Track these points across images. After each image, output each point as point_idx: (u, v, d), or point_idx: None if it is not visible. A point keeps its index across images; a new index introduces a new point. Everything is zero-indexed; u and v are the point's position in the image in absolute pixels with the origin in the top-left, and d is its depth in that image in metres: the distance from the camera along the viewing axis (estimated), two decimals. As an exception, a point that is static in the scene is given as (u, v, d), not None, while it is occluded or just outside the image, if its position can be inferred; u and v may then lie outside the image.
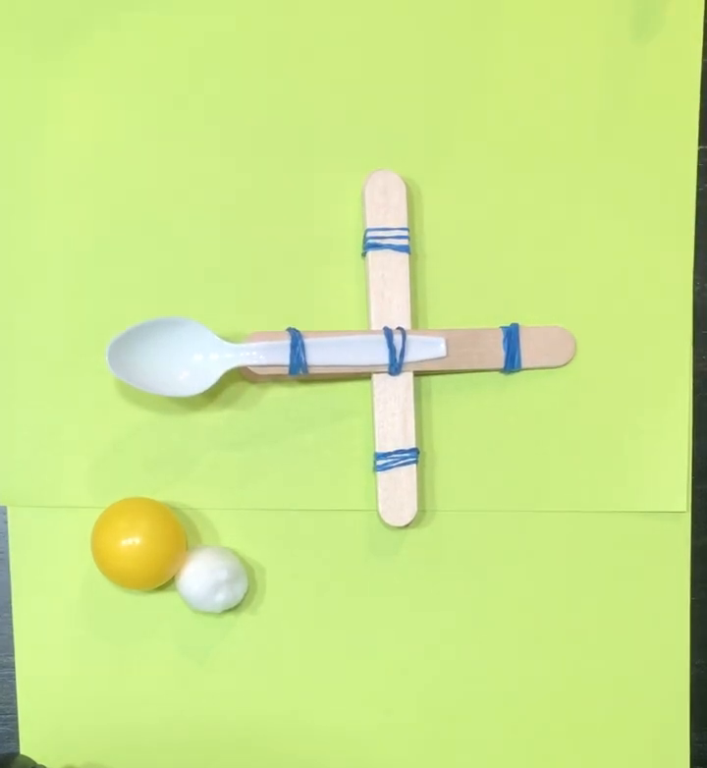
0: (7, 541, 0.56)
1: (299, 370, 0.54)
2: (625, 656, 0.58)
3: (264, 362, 0.54)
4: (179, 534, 0.55)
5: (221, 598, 0.54)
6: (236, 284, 0.57)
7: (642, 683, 0.58)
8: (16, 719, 0.56)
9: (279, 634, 0.57)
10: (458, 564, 0.58)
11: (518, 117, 0.58)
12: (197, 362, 0.54)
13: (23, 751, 0.56)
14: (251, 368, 0.54)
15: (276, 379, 0.56)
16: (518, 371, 0.58)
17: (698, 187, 0.59)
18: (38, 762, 0.55)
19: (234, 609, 0.56)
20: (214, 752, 0.57)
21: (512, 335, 0.57)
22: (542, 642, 0.58)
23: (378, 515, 0.56)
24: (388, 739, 0.58)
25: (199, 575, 0.54)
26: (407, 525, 0.56)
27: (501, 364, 0.57)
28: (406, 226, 0.56)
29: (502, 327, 0.57)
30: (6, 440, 0.56)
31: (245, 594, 0.56)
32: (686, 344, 0.59)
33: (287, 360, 0.54)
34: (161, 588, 0.56)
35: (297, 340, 0.54)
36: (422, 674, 0.58)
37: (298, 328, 0.55)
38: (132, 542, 0.53)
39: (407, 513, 0.56)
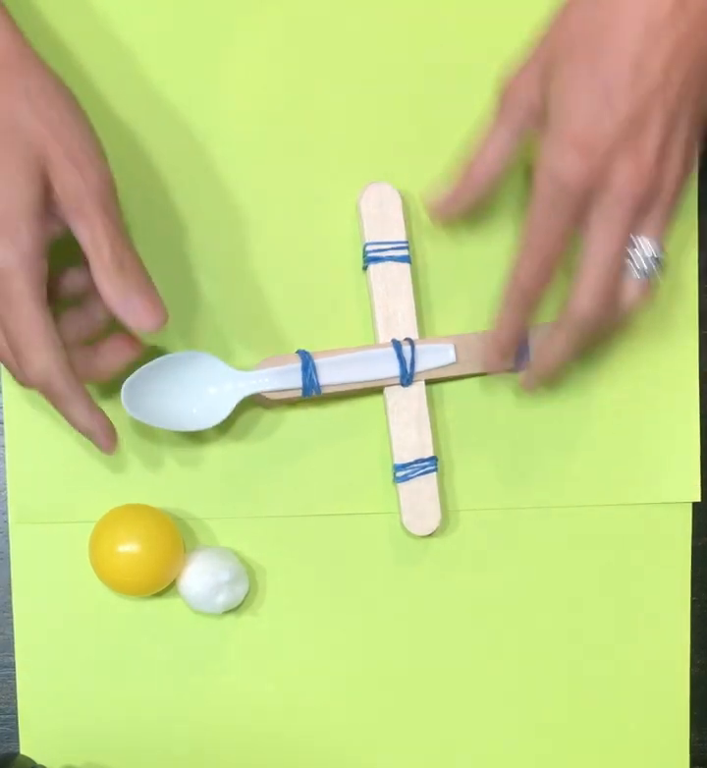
0: (7, 541, 0.56)
1: (312, 391, 0.55)
2: (625, 656, 0.59)
3: (278, 387, 0.54)
4: (176, 540, 0.55)
5: (222, 599, 0.55)
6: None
7: (642, 683, 0.59)
8: (16, 719, 0.56)
9: (280, 637, 0.57)
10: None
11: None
12: (212, 394, 0.54)
13: (23, 751, 0.56)
14: (265, 394, 0.54)
15: (289, 402, 0.57)
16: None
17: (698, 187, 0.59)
18: (38, 762, 0.55)
19: (234, 610, 0.56)
20: (214, 753, 0.57)
21: (519, 334, 0.57)
22: (543, 642, 0.59)
23: (402, 525, 0.56)
24: (391, 743, 0.58)
25: (200, 576, 0.54)
26: (431, 534, 0.57)
27: (510, 364, 0.57)
28: (404, 237, 0.56)
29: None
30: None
31: (246, 595, 0.56)
32: (692, 335, 0.59)
33: (300, 383, 0.54)
34: (162, 590, 0.56)
35: (308, 362, 0.55)
36: (425, 671, 0.58)
37: (306, 349, 0.55)
38: (129, 549, 0.53)
39: (432, 521, 0.56)
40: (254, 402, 0.56)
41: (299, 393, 0.55)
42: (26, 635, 0.56)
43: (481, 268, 0.58)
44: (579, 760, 0.59)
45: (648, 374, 0.59)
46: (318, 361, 0.55)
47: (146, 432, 0.56)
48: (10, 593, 0.56)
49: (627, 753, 0.59)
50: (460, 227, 0.58)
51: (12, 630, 0.56)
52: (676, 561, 0.59)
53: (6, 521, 0.56)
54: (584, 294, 0.49)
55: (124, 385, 0.52)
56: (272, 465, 0.57)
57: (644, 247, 0.49)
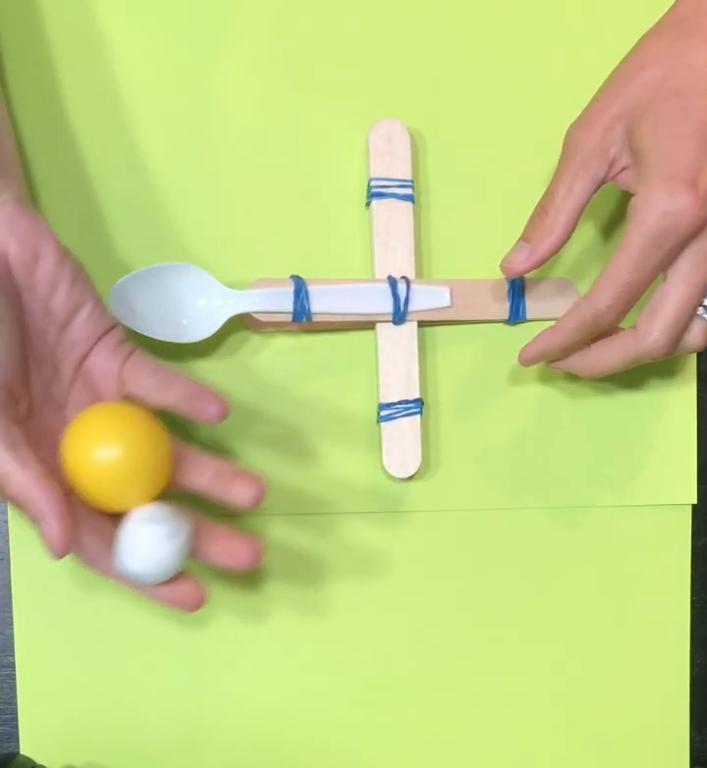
0: (7, 541, 0.55)
1: (302, 318, 0.54)
2: (625, 656, 0.58)
3: (268, 308, 0.53)
4: (163, 442, 0.47)
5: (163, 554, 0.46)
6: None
7: (642, 682, 0.58)
8: (16, 719, 0.56)
9: (280, 635, 0.57)
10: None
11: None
12: (201, 308, 0.53)
13: (23, 751, 0.55)
14: (255, 315, 0.54)
15: (279, 328, 0.56)
16: (523, 323, 0.57)
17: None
18: (38, 762, 0.54)
19: (234, 609, 0.56)
20: (214, 753, 0.56)
21: (516, 286, 0.57)
22: (542, 643, 0.58)
23: (382, 467, 0.55)
24: (392, 740, 0.57)
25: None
26: (411, 477, 0.56)
27: (505, 315, 0.57)
28: (410, 175, 0.56)
29: (506, 278, 0.57)
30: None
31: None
32: None
33: (290, 307, 0.54)
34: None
35: (300, 287, 0.54)
36: (424, 672, 0.57)
37: (301, 276, 0.54)
38: (108, 454, 0.45)
39: (412, 464, 0.55)
40: (243, 324, 0.56)
41: (290, 318, 0.54)
42: (26, 635, 0.56)
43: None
44: (579, 760, 0.58)
45: (646, 374, 0.58)
46: (311, 288, 0.54)
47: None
48: (10, 593, 0.55)
49: (628, 753, 0.58)
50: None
51: (12, 631, 0.55)
52: (675, 561, 0.59)
53: (6, 522, 0.56)
54: (657, 327, 0.49)
55: (112, 287, 0.52)
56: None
57: None
